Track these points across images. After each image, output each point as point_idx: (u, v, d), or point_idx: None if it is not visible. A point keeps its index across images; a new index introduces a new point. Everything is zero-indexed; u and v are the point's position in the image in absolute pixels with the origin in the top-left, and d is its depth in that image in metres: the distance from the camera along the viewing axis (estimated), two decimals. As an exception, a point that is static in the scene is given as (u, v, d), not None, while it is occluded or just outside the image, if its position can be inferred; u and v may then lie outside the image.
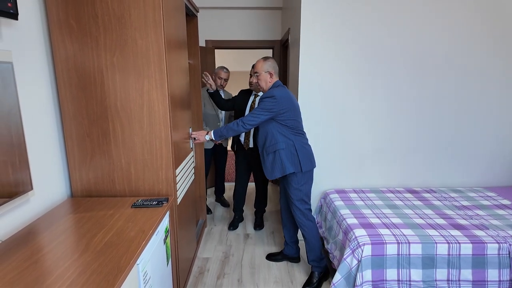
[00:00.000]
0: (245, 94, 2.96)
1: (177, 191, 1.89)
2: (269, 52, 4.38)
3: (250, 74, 3.12)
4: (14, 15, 1.27)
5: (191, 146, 2.31)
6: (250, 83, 2.90)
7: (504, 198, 2.50)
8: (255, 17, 3.89)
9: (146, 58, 1.65)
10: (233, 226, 3.21)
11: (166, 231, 1.68)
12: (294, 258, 2.56)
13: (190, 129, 2.31)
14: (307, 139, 2.23)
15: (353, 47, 2.54)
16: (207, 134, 2.25)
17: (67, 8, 1.59)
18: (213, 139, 2.23)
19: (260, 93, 2.78)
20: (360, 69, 2.58)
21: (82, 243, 1.26)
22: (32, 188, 1.44)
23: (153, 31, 1.62)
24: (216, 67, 3.30)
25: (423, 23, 2.52)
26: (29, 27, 1.51)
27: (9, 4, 1.23)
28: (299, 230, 2.42)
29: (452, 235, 1.90)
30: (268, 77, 2.19)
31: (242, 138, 2.95)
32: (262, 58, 2.24)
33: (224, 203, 3.78)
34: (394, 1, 2.47)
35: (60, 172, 1.75)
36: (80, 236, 1.32)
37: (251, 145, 2.90)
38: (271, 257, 2.62)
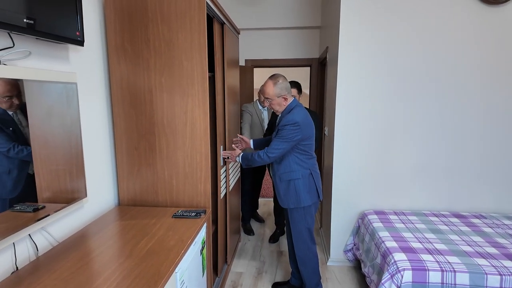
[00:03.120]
0: None
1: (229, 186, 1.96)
2: (306, 70, 4.42)
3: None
4: (81, 42, 1.45)
5: (222, 164, 2.28)
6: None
7: None
8: (293, 36, 3.98)
9: (191, 79, 1.77)
10: (273, 239, 3.22)
11: (203, 242, 1.74)
12: None
13: (222, 148, 2.27)
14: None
15: (392, 65, 2.50)
16: (238, 155, 2.10)
17: (124, 33, 1.78)
18: (241, 163, 2.09)
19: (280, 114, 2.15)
20: (400, 87, 2.52)
21: (127, 249, 1.35)
22: (86, 196, 1.59)
23: (197, 53, 1.75)
24: (260, 86, 3.40)
25: (462, 42, 2.42)
26: (91, 51, 1.71)
27: (77, 33, 1.42)
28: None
29: (505, 266, 1.74)
30: (282, 101, 1.96)
31: None
32: (271, 79, 1.95)
33: (258, 219, 3.79)
34: (433, 21, 2.40)
35: (110, 181, 1.90)
36: (126, 242, 1.42)
37: None
38: (277, 286, 2.44)
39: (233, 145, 2.27)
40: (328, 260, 2.81)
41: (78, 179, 1.53)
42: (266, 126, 3.38)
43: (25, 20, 1.12)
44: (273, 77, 1.96)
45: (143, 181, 1.90)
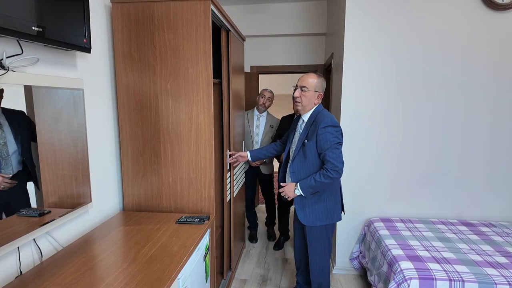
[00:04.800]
0: (288, 119, 3.00)
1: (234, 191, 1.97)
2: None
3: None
4: (87, 49, 1.47)
5: (228, 168, 2.32)
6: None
7: None
8: (299, 42, 4.00)
9: (196, 85, 1.79)
10: (278, 246, 3.19)
11: (206, 249, 1.73)
12: None
13: (228, 152, 2.31)
14: None
15: (398, 71, 2.48)
16: (296, 188, 1.85)
17: (131, 41, 1.80)
18: (302, 194, 1.85)
19: (306, 116, 1.94)
20: (407, 93, 2.50)
21: (131, 255, 1.35)
22: (91, 201, 1.60)
23: (203, 60, 1.76)
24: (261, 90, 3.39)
25: (470, 47, 2.40)
26: (98, 58, 1.74)
27: (84, 40, 1.44)
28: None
29: (516, 276, 1.70)
30: (315, 98, 1.88)
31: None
32: (315, 73, 1.89)
33: (270, 234, 3.54)
34: (439, 27, 2.39)
35: (115, 187, 1.91)
36: (129, 248, 1.42)
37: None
38: None
39: (229, 162, 2.28)
40: (333, 268, 2.77)
41: (84, 184, 1.54)
42: (260, 134, 3.23)
43: (34, 28, 1.14)
44: (316, 73, 1.91)
45: (147, 187, 1.91)
